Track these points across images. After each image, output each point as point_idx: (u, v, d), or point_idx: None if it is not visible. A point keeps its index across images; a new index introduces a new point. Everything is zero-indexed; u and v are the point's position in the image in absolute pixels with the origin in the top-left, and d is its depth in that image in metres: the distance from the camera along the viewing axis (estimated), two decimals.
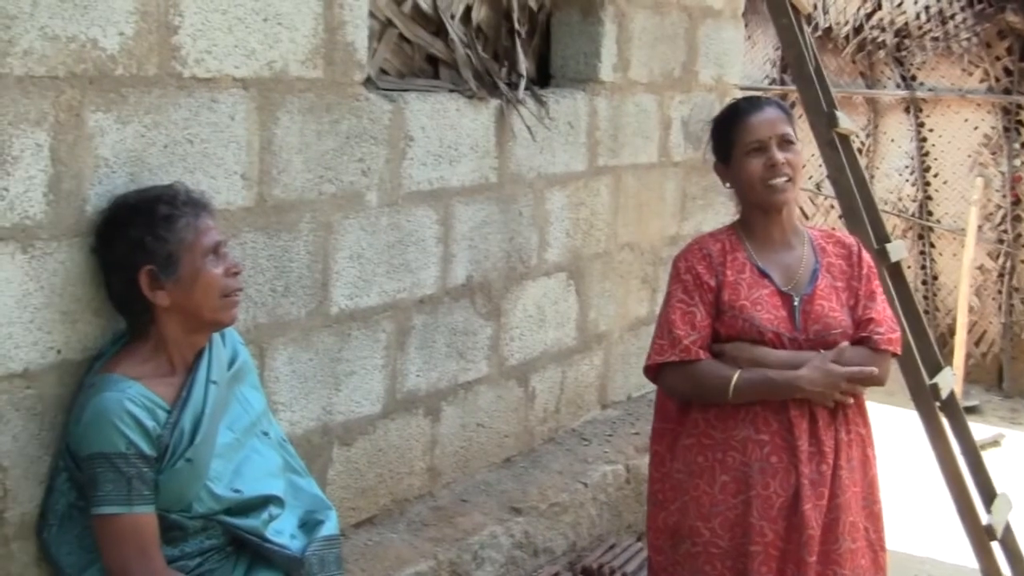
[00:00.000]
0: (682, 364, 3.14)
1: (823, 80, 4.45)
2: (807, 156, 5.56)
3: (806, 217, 10.23)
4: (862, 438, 3.21)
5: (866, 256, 3.32)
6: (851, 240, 3.37)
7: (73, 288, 2.66)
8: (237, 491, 2.71)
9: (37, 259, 2.58)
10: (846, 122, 4.47)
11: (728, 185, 3.31)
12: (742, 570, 3.09)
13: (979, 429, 4.70)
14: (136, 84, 2.79)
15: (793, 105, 7.86)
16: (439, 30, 4.10)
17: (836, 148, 4.32)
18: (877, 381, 3.17)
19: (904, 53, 9.63)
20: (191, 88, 2.95)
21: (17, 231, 2.53)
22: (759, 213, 3.23)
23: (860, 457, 3.20)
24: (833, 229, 3.48)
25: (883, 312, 3.26)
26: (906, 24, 9.51)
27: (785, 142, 3.17)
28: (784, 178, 3.15)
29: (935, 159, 9.62)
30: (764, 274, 3.19)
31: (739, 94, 5.48)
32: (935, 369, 4.41)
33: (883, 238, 4.39)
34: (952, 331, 9.20)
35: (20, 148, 2.52)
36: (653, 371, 3.24)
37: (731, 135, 3.23)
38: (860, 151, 9.49)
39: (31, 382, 2.60)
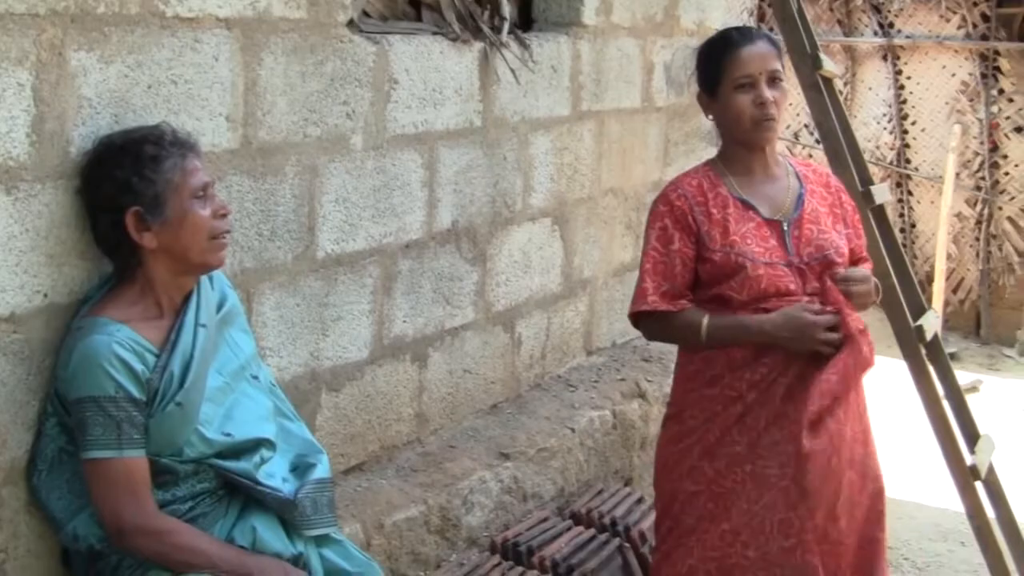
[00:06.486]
0: (655, 313, 3.13)
1: (806, 22, 4.41)
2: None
3: None
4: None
5: (843, 187, 3.35)
6: (825, 170, 3.38)
7: (58, 231, 2.62)
8: (228, 435, 2.69)
9: (21, 201, 2.53)
10: (829, 64, 4.44)
11: (710, 117, 3.24)
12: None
13: (958, 376, 4.73)
14: (118, 23, 2.73)
15: None
16: None
17: (820, 90, 4.29)
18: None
19: (881, 0, 9.60)
20: (174, 28, 2.90)
21: (0, 172, 2.49)
22: (741, 149, 3.18)
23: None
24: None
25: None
26: None
27: (773, 79, 3.09)
28: (771, 118, 3.09)
29: (913, 107, 9.63)
30: (748, 206, 3.14)
31: None
32: (919, 311, 4.41)
33: (867, 180, 4.38)
34: (930, 279, 9.24)
35: (2, 87, 2.47)
36: (633, 319, 3.24)
37: (720, 67, 3.13)
38: None
39: (18, 326, 2.56)
